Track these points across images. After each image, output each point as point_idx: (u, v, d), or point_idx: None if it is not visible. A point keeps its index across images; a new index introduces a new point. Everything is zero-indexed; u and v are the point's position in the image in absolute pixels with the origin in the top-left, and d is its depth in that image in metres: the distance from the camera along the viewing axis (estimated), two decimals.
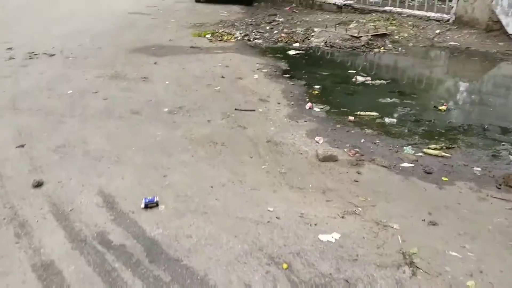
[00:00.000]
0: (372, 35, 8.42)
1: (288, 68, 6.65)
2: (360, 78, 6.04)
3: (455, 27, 9.03)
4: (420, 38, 8.71)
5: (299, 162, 3.64)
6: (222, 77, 6.02)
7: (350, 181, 3.35)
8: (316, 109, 4.90)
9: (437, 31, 8.90)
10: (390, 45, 8.14)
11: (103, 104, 4.82)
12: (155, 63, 6.62)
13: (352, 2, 11.69)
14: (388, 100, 5.24)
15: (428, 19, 9.58)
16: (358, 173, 3.48)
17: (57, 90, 5.23)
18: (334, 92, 5.62)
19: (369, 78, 6.05)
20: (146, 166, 3.49)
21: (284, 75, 6.22)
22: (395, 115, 4.77)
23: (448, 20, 9.26)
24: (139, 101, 4.95)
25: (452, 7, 9.17)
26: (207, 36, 8.79)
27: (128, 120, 4.42)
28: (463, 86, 6.25)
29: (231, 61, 6.92)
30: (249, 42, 8.46)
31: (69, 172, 3.36)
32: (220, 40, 8.54)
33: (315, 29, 9.29)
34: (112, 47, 7.58)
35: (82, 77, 5.78)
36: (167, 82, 5.70)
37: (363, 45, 8.06)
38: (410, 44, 8.36)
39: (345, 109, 4.90)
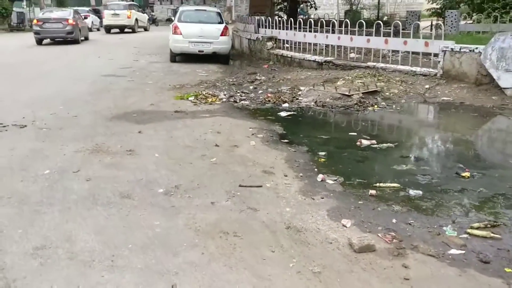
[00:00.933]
0: (363, 93, 8.11)
1: (284, 132, 6.19)
2: (365, 142, 5.60)
3: (444, 82, 8.86)
4: (411, 94, 8.46)
5: (331, 255, 3.05)
6: (216, 145, 5.48)
7: (400, 280, 2.78)
8: (329, 181, 4.37)
9: (427, 86, 8.70)
10: (383, 103, 7.83)
11: (86, 187, 4.16)
12: (140, 132, 6.04)
13: (333, 58, 11.54)
14: (404, 167, 4.79)
15: (414, 74, 9.41)
16: (405, 266, 2.92)
17: (32, 171, 4.55)
18: (342, 159, 5.14)
19: (374, 141, 5.62)
20: (149, 271, 2.84)
21: (282, 141, 5.73)
22: (418, 185, 4.29)
23: (435, 74, 9.11)
24: (128, 181, 4.31)
25: (439, 61, 9.04)
26: (190, 98, 8.32)
27: (119, 206, 3.76)
28: (475, 146, 5.89)
29: (222, 126, 6.41)
30: (236, 104, 8.01)
31: (54, 287, 2.67)
32: (205, 103, 8.07)
33: (301, 88, 8.97)
34: (89, 115, 6.98)
35: (59, 152, 5.13)
36: (156, 155, 5.10)
37: (355, 104, 7.73)
38: (403, 101, 8.09)
39: (361, 180, 4.40)
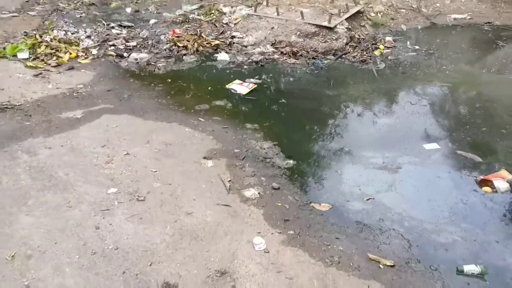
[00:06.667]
0: (346, 19, 4.68)
1: (291, 160, 2.67)
2: (500, 185, 2.44)
3: None
4: (403, 11, 5.28)
5: None
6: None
7: None
8: None
9: None
10: (389, 38, 4.54)
11: None
12: None
13: None
14: None
15: None
16: None
17: None
18: None
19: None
20: None
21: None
22: None
23: None
24: None
25: None
26: (22, 56, 3.97)
27: None
28: None
29: (132, 158, 2.62)
30: (124, 63, 4.00)
31: None
32: (57, 65, 3.88)
33: (224, 9, 5.16)
34: None
35: None
36: None
37: (346, 44, 4.33)
38: (403, 27, 4.91)
39: None
